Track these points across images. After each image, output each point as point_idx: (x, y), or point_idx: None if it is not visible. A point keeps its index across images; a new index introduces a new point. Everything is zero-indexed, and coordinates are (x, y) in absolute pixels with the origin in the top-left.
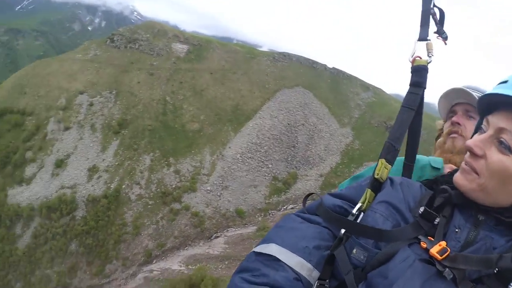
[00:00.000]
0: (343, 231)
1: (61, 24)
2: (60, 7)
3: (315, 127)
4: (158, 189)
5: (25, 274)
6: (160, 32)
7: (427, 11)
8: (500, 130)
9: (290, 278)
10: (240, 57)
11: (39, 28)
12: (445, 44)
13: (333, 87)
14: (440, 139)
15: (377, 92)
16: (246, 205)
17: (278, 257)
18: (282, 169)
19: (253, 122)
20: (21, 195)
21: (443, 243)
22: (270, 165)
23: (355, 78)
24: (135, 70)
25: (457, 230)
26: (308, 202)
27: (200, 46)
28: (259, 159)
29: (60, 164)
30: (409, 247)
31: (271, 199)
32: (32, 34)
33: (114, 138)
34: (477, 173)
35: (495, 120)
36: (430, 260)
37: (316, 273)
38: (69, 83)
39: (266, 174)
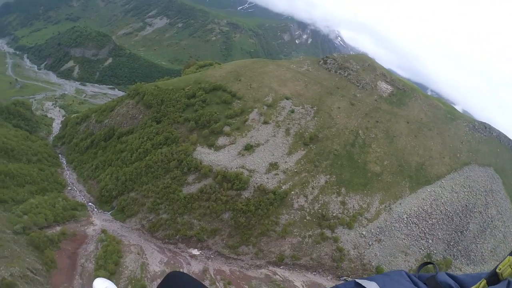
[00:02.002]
0: None
1: (273, 31)
2: (275, 16)
3: (491, 221)
4: (320, 210)
5: (174, 211)
6: (370, 67)
7: None
8: None
9: None
10: (439, 114)
11: (254, 29)
12: None
13: None
14: None
15: None
16: (388, 267)
17: None
18: (440, 250)
19: (432, 188)
20: (206, 156)
21: None
22: (430, 240)
23: None
24: (338, 95)
25: None
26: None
27: (404, 92)
28: (422, 229)
29: (249, 148)
30: None
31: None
32: (248, 33)
33: (302, 148)
34: None
35: None
36: None
37: None
38: (279, 87)
39: (422, 248)
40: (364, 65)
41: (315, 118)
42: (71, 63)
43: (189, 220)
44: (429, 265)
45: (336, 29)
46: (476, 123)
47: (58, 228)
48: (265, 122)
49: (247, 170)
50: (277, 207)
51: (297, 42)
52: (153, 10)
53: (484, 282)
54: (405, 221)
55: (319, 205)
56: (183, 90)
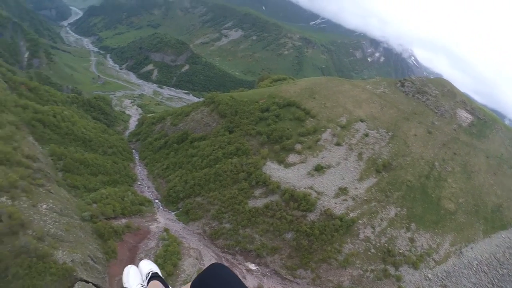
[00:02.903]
0: None
1: (345, 48)
2: (347, 33)
3: None
4: (386, 244)
5: (237, 222)
6: (449, 93)
7: None
8: None
9: None
10: None
11: (326, 45)
12: None
13: None
14: None
15: None
16: None
17: None
18: None
19: (507, 234)
20: (275, 172)
21: None
22: None
23: None
24: (415, 121)
25: None
26: None
27: (485, 122)
28: (491, 279)
29: (319, 169)
30: None
31: None
32: (320, 48)
33: (374, 175)
34: None
35: None
36: None
37: None
38: (354, 108)
39: None
40: (444, 90)
41: (390, 144)
42: (150, 66)
43: (251, 233)
44: None
45: (410, 48)
46: None
47: (123, 221)
48: (338, 144)
49: (316, 191)
50: (342, 235)
51: (369, 60)
52: (229, 22)
53: None
54: (474, 268)
55: (386, 238)
56: (257, 103)
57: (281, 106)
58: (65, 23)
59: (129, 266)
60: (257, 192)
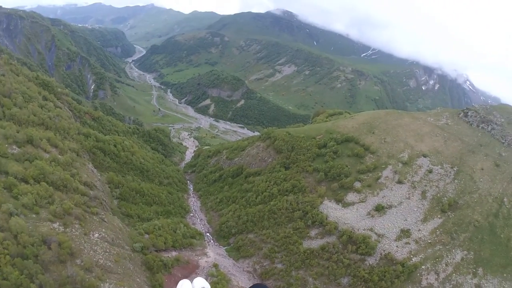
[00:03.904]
0: None
1: (398, 77)
2: (400, 62)
3: None
4: None
5: (290, 263)
6: None
7: None
8: None
9: None
10: None
11: (378, 76)
12: None
13: None
14: None
15: None
16: None
17: None
18: None
19: None
20: (333, 211)
21: None
22: None
23: None
24: (481, 154)
25: None
26: None
27: None
28: None
29: (380, 209)
30: None
31: None
32: (372, 79)
33: (439, 216)
34: None
35: None
36: None
37: None
38: (416, 142)
39: None
40: (510, 117)
41: (455, 181)
42: (207, 101)
43: (304, 276)
44: None
45: (465, 73)
46: None
47: (174, 254)
48: (400, 182)
49: (376, 234)
50: (403, 282)
51: (423, 88)
52: (282, 58)
53: None
54: None
55: (451, 286)
56: (314, 138)
57: (339, 142)
58: (129, 59)
59: (184, 280)
60: (313, 233)
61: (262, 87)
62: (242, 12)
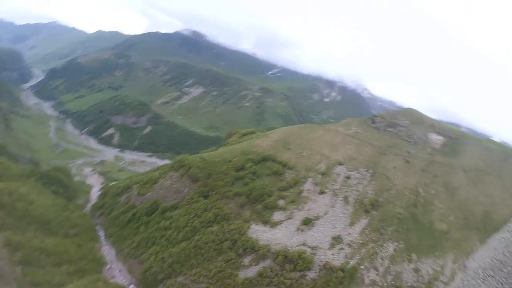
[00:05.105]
0: None
1: (303, 92)
2: (304, 78)
3: None
4: (393, 282)
5: None
6: (418, 120)
7: None
8: None
9: None
10: (493, 156)
11: (285, 92)
12: None
13: None
14: None
15: None
16: None
17: None
18: None
19: (500, 235)
20: (263, 234)
21: None
22: None
23: None
24: (392, 154)
25: None
26: None
27: (456, 140)
28: (499, 279)
29: (308, 222)
30: None
31: None
32: (279, 96)
33: (364, 217)
34: None
35: None
36: None
37: None
38: (331, 152)
39: None
40: (412, 119)
41: (373, 182)
42: (111, 130)
43: None
44: None
45: (363, 83)
46: None
47: None
48: (322, 192)
49: (309, 247)
50: (347, 286)
51: (326, 100)
52: (190, 79)
53: None
54: (481, 276)
55: (392, 276)
56: (230, 162)
57: (256, 162)
58: (26, 85)
59: None
60: (247, 260)
61: (169, 110)
62: (150, 32)
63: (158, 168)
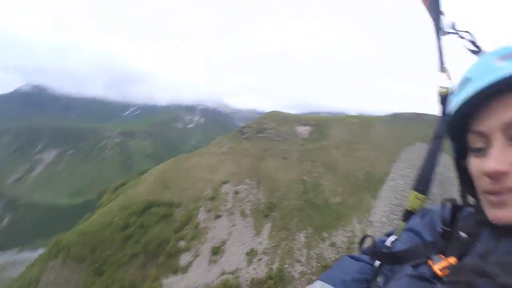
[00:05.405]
0: (377, 263)
1: (165, 125)
2: (163, 110)
3: (442, 176)
4: (319, 263)
5: None
6: (282, 119)
7: (440, 45)
8: (508, 126)
9: None
10: (357, 127)
11: (147, 130)
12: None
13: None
14: None
15: None
16: None
17: None
18: None
19: (387, 185)
20: (178, 284)
21: (453, 259)
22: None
23: None
24: (269, 157)
25: (478, 245)
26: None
27: (320, 125)
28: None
29: (217, 251)
30: (416, 267)
31: None
32: (141, 135)
33: (266, 221)
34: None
35: (495, 118)
36: (427, 277)
37: None
38: (212, 175)
39: None
40: (278, 119)
41: (261, 188)
42: None
43: None
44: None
45: (221, 99)
46: (386, 117)
47: None
48: (218, 217)
49: (230, 273)
50: None
51: (191, 126)
52: (39, 144)
53: (401, 223)
54: (387, 222)
55: (315, 260)
56: (112, 223)
57: (140, 214)
58: None
59: None
60: None
61: (25, 188)
62: None
63: (34, 263)
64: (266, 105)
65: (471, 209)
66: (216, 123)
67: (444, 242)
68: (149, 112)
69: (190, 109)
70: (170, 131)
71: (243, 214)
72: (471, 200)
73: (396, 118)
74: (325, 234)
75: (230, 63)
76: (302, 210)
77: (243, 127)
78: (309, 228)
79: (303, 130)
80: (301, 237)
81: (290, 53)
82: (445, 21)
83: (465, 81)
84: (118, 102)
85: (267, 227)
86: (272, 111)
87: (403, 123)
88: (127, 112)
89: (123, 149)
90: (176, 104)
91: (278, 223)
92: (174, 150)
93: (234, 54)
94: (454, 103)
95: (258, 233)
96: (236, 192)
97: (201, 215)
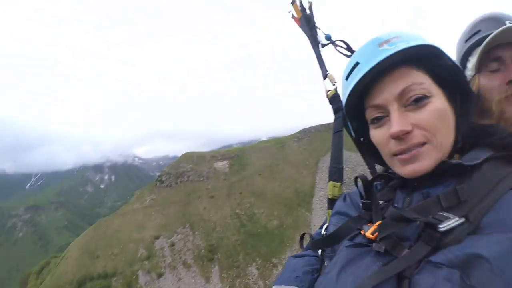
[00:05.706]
0: (320, 251)
1: (75, 190)
2: (69, 174)
3: (350, 161)
4: None
5: None
6: (198, 158)
7: (319, 56)
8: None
9: None
10: (273, 150)
11: (56, 199)
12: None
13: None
14: (493, 105)
15: None
16: None
17: None
18: None
19: (317, 196)
20: None
21: (378, 223)
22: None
23: None
24: (196, 199)
25: (396, 205)
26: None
27: (237, 156)
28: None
29: None
30: (351, 239)
31: None
32: (52, 207)
33: (212, 266)
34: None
35: (388, 91)
36: (363, 243)
37: None
38: (141, 233)
39: None
40: (194, 160)
41: (196, 233)
42: None
43: None
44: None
45: (130, 153)
46: (298, 134)
47: None
48: (160, 275)
49: None
50: None
51: (102, 186)
52: None
53: (328, 212)
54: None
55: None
56: None
57: None
58: None
59: None
60: None
61: None
62: None
63: None
64: (177, 148)
65: (381, 181)
66: (129, 178)
67: (368, 213)
68: (53, 179)
69: (98, 168)
70: (82, 196)
71: (186, 264)
72: (379, 169)
73: (306, 133)
74: (275, 260)
75: (130, 109)
76: (245, 244)
77: (161, 175)
78: (258, 259)
79: (222, 165)
80: (253, 270)
81: (187, 88)
82: (321, 34)
83: (355, 65)
84: (17, 174)
85: (215, 271)
86: (187, 153)
87: (313, 135)
88: (29, 184)
89: (35, 226)
90: (81, 166)
91: (225, 264)
92: (91, 216)
93: (131, 99)
94: (349, 87)
95: (208, 280)
96: (172, 244)
97: (142, 278)
